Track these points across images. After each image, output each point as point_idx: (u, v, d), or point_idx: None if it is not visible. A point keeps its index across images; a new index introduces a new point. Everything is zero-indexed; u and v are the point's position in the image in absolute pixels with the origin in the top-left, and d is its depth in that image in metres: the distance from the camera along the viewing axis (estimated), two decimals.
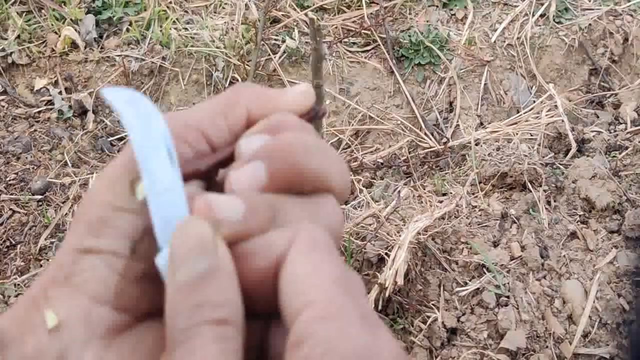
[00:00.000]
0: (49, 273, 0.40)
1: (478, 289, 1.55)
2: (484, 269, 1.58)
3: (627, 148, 1.98)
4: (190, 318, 0.35)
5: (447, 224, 1.65)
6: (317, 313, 0.34)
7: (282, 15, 2.42)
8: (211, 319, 0.35)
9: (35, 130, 2.12)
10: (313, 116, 0.46)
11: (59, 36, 2.33)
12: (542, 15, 2.41)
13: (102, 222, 0.40)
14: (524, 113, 2.20)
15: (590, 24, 2.35)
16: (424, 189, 1.83)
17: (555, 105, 2.14)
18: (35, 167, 1.97)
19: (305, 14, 2.35)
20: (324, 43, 2.33)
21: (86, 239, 0.39)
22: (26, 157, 1.99)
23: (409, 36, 2.33)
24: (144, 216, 0.39)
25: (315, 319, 0.34)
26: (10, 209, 1.81)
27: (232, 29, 2.31)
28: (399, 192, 1.78)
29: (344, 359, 0.33)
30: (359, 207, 1.73)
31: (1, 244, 1.76)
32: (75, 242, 0.40)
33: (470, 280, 1.57)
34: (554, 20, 2.39)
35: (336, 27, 2.41)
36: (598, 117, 2.24)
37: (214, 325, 0.35)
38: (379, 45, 2.36)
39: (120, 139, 2.20)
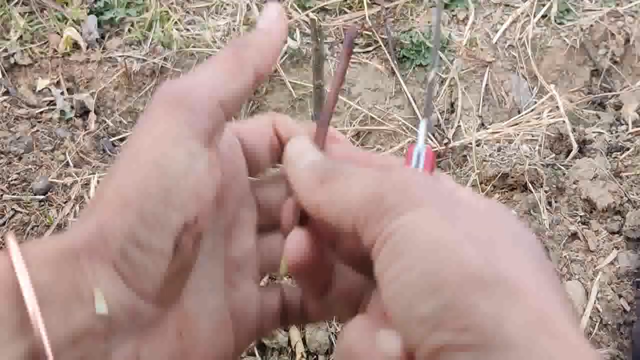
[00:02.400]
0: (93, 233, 0.41)
1: None
2: None
3: (628, 149, 1.98)
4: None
5: None
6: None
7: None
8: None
9: (37, 131, 2.12)
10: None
11: (61, 37, 2.33)
12: (543, 16, 2.41)
13: (155, 217, 0.41)
14: (525, 114, 2.20)
15: (591, 25, 2.35)
16: None
17: (557, 106, 2.14)
18: (37, 167, 1.97)
19: (307, 15, 2.35)
20: (325, 44, 2.33)
21: (139, 230, 0.41)
22: (28, 157, 1.99)
23: (411, 37, 2.34)
24: (187, 210, 0.42)
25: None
26: (12, 209, 1.82)
27: (234, 29, 2.32)
28: None
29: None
30: None
31: (3, 244, 1.76)
32: (125, 228, 0.41)
33: None
34: (555, 21, 2.39)
35: (337, 28, 2.42)
36: (599, 118, 2.24)
37: None
38: (380, 46, 2.36)
39: (122, 139, 2.20)
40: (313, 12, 2.46)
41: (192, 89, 0.45)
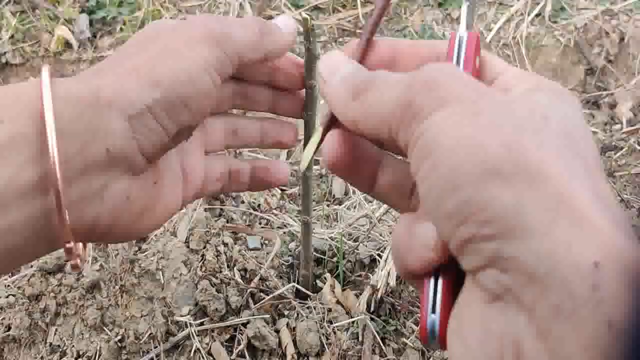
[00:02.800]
0: (118, 90, 0.51)
1: None
2: None
3: (622, 148, 1.97)
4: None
5: None
6: None
7: (277, 14, 2.41)
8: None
9: None
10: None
11: (53, 36, 2.32)
12: (537, 15, 2.40)
13: (174, 108, 0.54)
14: None
15: (586, 24, 2.35)
16: None
17: None
18: None
19: (300, 14, 2.34)
20: (317, 43, 2.33)
21: (158, 108, 0.53)
22: None
23: (404, 36, 2.33)
24: (194, 117, 0.57)
25: None
26: None
27: None
28: None
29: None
30: (352, 207, 1.72)
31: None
32: (150, 101, 0.52)
33: None
34: (549, 19, 2.38)
35: (331, 27, 2.41)
36: (594, 117, 2.23)
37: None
38: None
39: None
40: (306, 10, 2.45)
41: (228, 38, 0.57)
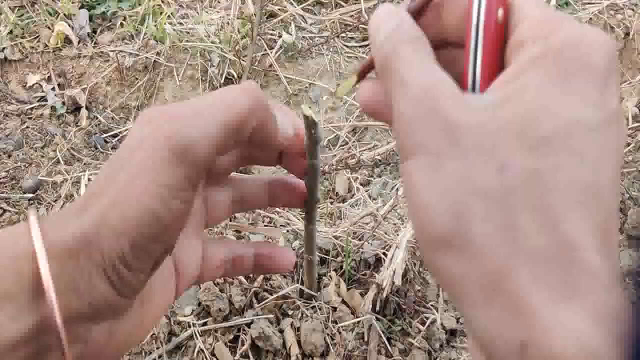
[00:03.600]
0: (91, 242, 0.49)
1: None
2: None
3: (629, 145, 1.95)
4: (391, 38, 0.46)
5: None
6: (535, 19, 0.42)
7: (279, 9, 2.39)
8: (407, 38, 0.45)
9: (27, 127, 2.08)
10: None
11: (52, 31, 2.30)
12: None
13: (144, 250, 0.50)
14: None
15: (591, 18, 2.32)
16: None
17: None
18: (27, 165, 1.94)
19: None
20: (320, 37, 2.30)
21: (129, 256, 0.50)
22: (17, 155, 1.96)
23: None
24: (170, 242, 0.52)
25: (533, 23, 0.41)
26: (1, 208, 1.78)
27: (228, 23, 2.28)
28: (397, 190, 1.74)
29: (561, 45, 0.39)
30: (356, 205, 1.70)
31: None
32: (119, 251, 0.49)
33: None
34: None
35: (333, 22, 2.38)
36: None
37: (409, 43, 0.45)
38: None
39: (114, 136, 2.17)
40: (309, 5, 2.43)
41: (196, 142, 0.50)
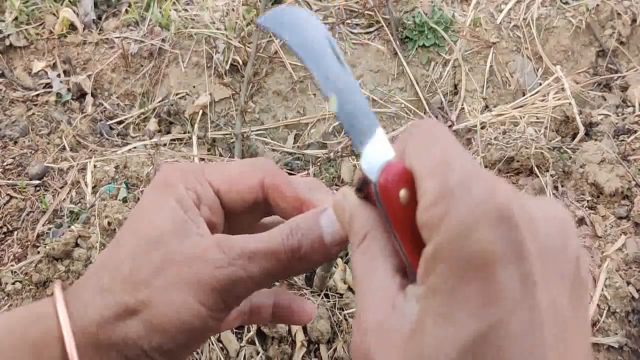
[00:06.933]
0: (115, 326, 0.53)
1: None
2: None
3: (635, 132, 1.94)
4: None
5: None
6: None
7: (286, 4, 2.38)
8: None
9: (33, 114, 2.08)
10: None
11: (57, 18, 2.29)
12: None
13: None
14: (531, 96, 2.16)
15: (597, 5, 2.31)
16: None
17: (562, 88, 2.10)
18: (33, 152, 1.94)
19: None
20: (326, 24, 2.29)
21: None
22: (24, 142, 1.96)
23: (413, 17, 2.29)
24: None
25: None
26: (7, 194, 1.78)
27: (233, 10, 2.27)
28: None
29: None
30: None
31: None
32: (134, 337, 0.52)
33: None
34: (560, 0, 2.34)
35: (339, 8, 2.37)
36: (605, 99, 2.20)
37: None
38: (382, 26, 2.32)
39: (120, 122, 2.16)
40: None
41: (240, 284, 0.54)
